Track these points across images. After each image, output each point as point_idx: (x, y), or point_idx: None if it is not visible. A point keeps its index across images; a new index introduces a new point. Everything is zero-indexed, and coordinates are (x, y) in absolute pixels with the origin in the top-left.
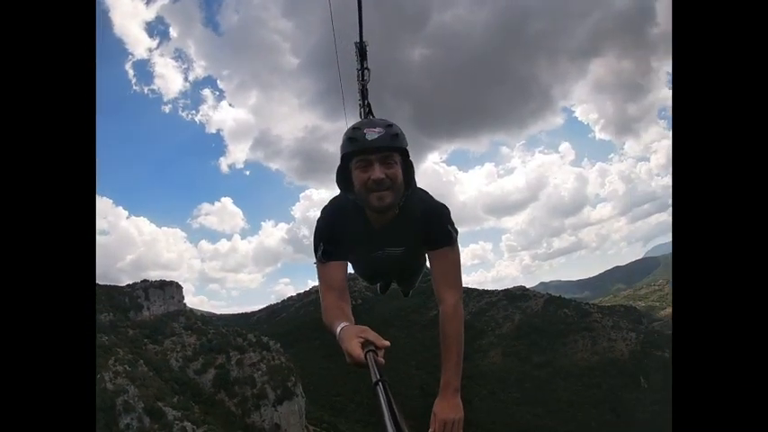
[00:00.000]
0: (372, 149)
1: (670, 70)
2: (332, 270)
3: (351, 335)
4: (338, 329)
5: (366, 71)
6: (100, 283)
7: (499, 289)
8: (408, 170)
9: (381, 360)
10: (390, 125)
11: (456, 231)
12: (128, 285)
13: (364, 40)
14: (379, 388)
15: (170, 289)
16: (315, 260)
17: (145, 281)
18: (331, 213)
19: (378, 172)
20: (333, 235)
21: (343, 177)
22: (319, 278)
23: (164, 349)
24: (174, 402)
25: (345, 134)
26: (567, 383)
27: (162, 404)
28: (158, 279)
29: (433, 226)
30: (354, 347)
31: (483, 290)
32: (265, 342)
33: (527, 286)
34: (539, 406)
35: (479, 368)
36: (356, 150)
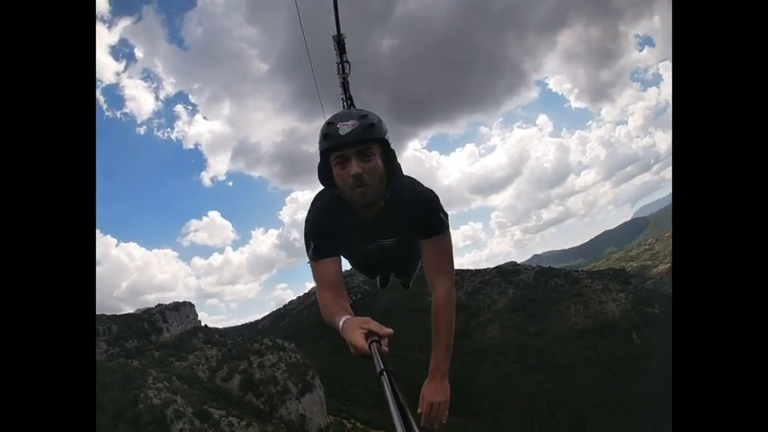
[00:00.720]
0: (347, 144)
1: (638, 33)
2: (326, 267)
3: (353, 326)
4: (340, 323)
5: (346, 64)
6: (106, 313)
7: (491, 267)
8: (390, 159)
9: (385, 349)
10: (365, 115)
11: (447, 217)
12: (144, 311)
13: (342, 32)
14: (384, 378)
15: (184, 309)
16: (308, 259)
17: (159, 305)
18: (318, 210)
19: (355, 167)
20: (322, 232)
21: (325, 173)
22: (314, 276)
23: (190, 364)
24: (215, 405)
25: (321, 130)
26: (562, 348)
27: (206, 407)
28: (172, 302)
29: (424, 214)
30: (358, 338)
31: (476, 269)
32: (280, 344)
33: (520, 260)
34: (539, 372)
35: (480, 344)
36: (331, 146)
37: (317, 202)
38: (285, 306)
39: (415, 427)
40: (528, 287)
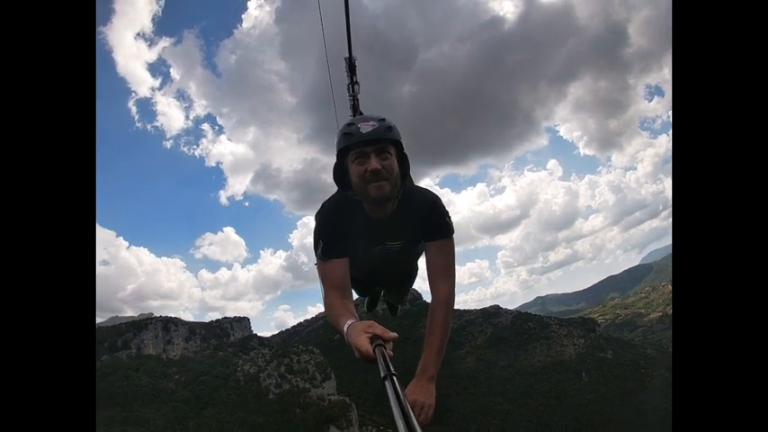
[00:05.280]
0: (368, 142)
1: (649, 83)
2: (333, 267)
3: (358, 331)
4: (345, 327)
5: (356, 85)
6: (193, 321)
7: (477, 308)
8: (403, 162)
9: (390, 353)
10: (383, 119)
11: (452, 223)
12: (216, 320)
13: (353, 56)
14: (388, 382)
15: (244, 321)
16: (315, 260)
17: (226, 317)
18: (329, 210)
19: (374, 162)
20: (332, 232)
21: (340, 175)
22: (321, 276)
23: (252, 357)
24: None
25: (340, 130)
26: (523, 380)
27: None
28: (235, 316)
29: (433, 218)
30: (363, 342)
31: (464, 309)
32: (310, 349)
33: (524, 301)
34: (500, 396)
35: (457, 371)
36: (352, 144)
37: (328, 204)
38: (294, 327)
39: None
40: (504, 328)
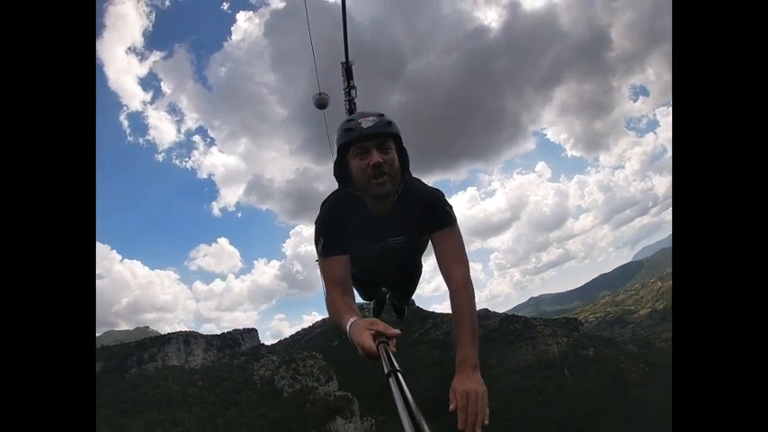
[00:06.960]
0: (369, 136)
1: (633, 83)
2: (334, 264)
3: (361, 328)
4: (348, 324)
5: (353, 89)
6: (203, 333)
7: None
8: (403, 157)
9: (394, 350)
10: (382, 114)
11: (453, 212)
12: (227, 332)
13: (351, 60)
14: (392, 379)
15: (253, 332)
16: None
17: (236, 330)
18: (330, 207)
19: (376, 156)
20: (333, 229)
21: (341, 171)
22: (322, 273)
23: (263, 363)
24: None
25: (341, 127)
26: (509, 377)
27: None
28: (245, 327)
29: (434, 209)
30: (366, 340)
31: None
32: (314, 354)
33: (518, 302)
34: (490, 393)
35: (449, 372)
36: (353, 138)
37: (329, 201)
38: (293, 336)
39: (425, 428)
40: (492, 330)
